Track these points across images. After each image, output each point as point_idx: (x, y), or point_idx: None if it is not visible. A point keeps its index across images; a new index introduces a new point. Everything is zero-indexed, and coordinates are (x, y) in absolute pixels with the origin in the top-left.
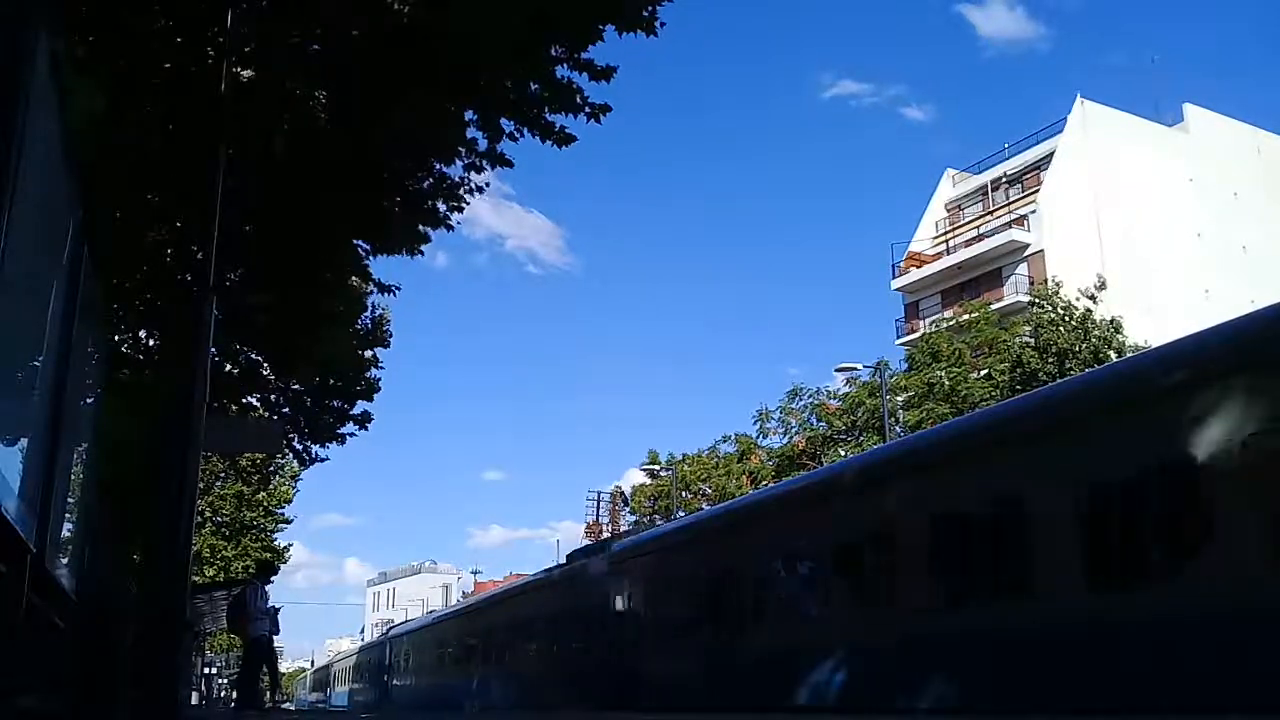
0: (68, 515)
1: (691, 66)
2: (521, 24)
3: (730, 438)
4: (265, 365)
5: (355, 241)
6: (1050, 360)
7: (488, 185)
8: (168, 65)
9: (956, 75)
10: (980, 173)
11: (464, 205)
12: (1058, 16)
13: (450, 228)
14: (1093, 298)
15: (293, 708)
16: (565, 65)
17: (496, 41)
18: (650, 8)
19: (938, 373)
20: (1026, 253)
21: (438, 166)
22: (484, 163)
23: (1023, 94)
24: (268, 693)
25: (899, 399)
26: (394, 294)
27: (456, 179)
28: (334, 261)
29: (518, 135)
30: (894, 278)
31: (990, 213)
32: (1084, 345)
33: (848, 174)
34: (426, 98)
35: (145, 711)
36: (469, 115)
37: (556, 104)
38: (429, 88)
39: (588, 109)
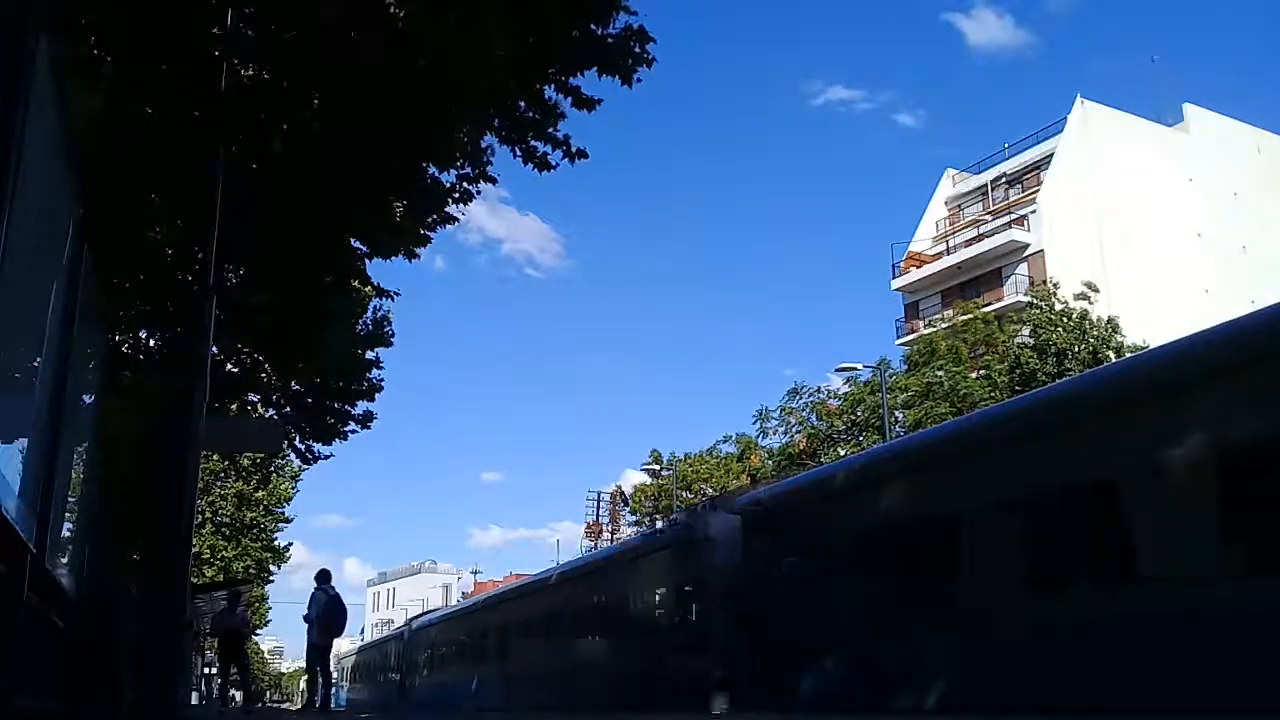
0: (68, 515)
1: (683, 72)
2: (509, 40)
3: (731, 438)
4: (265, 365)
5: (354, 244)
6: (1049, 360)
7: (479, 193)
8: (167, 65)
9: (947, 82)
10: (980, 172)
11: (470, 198)
12: (1045, 24)
13: (455, 220)
14: (1086, 298)
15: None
16: (552, 87)
17: (490, 50)
18: (636, 68)
19: (937, 373)
20: (1026, 253)
21: (433, 171)
22: (473, 172)
23: (1014, 101)
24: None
25: (899, 399)
26: (393, 298)
27: (450, 183)
28: (334, 262)
29: (496, 149)
30: (894, 278)
31: (990, 212)
32: (1082, 345)
33: (845, 177)
34: (424, 101)
35: (145, 711)
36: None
37: (540, 131)
38: (426, 92)
39: (564, 150)
